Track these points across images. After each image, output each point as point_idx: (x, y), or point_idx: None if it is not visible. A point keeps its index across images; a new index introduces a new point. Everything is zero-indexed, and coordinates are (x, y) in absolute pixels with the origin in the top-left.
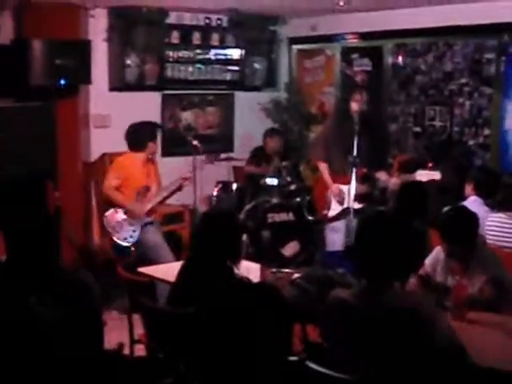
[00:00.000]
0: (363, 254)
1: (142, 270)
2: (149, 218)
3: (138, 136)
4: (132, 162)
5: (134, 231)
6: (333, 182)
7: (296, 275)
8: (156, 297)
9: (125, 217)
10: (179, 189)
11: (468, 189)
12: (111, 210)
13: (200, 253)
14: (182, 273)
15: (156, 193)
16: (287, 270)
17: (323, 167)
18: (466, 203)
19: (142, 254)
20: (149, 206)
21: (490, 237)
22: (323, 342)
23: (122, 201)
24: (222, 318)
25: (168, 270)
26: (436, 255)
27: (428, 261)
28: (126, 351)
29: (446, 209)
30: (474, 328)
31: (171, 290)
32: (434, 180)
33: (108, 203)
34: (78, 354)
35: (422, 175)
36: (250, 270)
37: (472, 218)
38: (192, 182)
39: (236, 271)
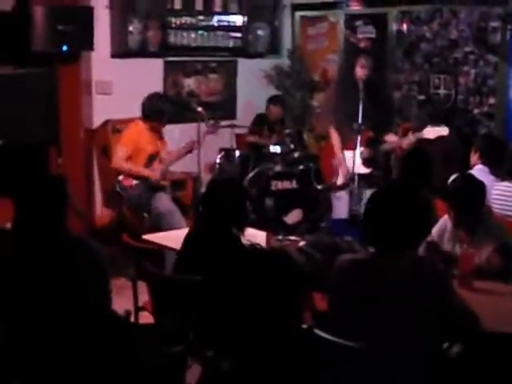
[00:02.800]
0: (374, 224)
1: (147, 237)
2: (164, 181)
3: (157, 106)
4: (138, 130)
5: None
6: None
7: (302, 242)
8: (164, 264)
9: (137, 182)
10: (190, 151)
11: (474, 157)
12: (122, 176)
13: (206, 220)
14: (188, 240)
15: (166, 156)
16: (293, 238)
17: (334, 134)
18: (471, 172)
19: (156, 221)
20: (162, 169)
21: (496, 205)
22: (330, 307)
23: (135, 170)
24: (233, 285)
25: (175, 237)
26: (443, 224)
27: (435, 230)
28: (131, 318)
29: (452, 177)
30: (481, 296)
31: (177, 257)
32: (441, 138)
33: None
34: (86, 316)
35: (430, 132)
36: (255, 237)
37: (479, 187)
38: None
39: (242, 238)
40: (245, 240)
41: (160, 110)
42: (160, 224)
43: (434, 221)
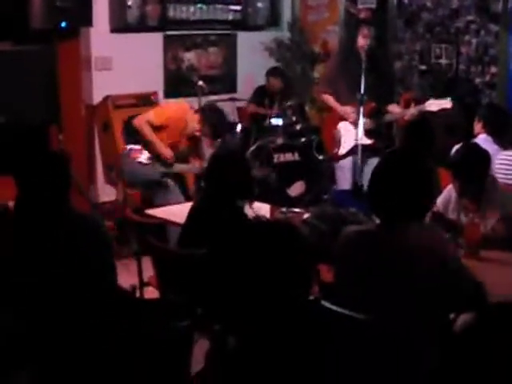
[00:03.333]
0: (379, 194)
1: (150, 211)
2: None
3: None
4: (181, 114)
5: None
6: (339, 120)
7: (307, 214)
8: (167, 238)
9: (148, 161)
10: None
11: (477, 127)
12: (137, 146)
13: (209, 194)
14: (192, 214)
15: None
16: (297, 210)
17: (329, 98)
18: (475, 141)
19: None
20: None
21: (500, 175)
22: (336, 279)
23: (153, 138)
24: (238, 258)
25: (177, 212)
26: (448, 194)
27: (439, 200)
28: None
29: (456, 147)
30: (487, 265)
31: (181, 231)
32: (444, 110)
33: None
34: (91, 292)
35: (433, 104)
36: (259, 210)
37: (484, 156)
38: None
39: (247, 210)
40: (249, 212)
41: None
42: (155, 199)
43: (439, 191)
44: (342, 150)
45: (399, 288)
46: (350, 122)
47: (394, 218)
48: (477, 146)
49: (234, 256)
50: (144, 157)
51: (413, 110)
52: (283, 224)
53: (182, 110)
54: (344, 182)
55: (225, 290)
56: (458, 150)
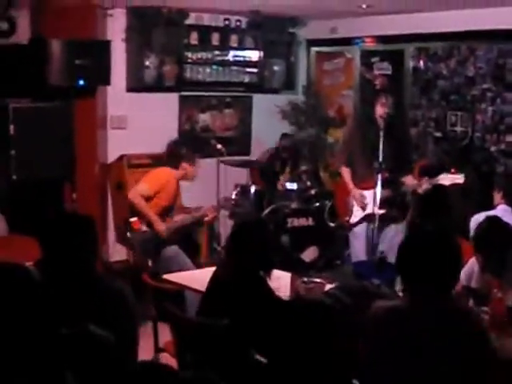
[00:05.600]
0: (410, 271)
1: (167, 276)
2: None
3: (173, 151)
4: (168, 178)
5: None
6: (355, 187)
7: (328, 285)
8: (185, 305)
9: (147, 229)
10: (201, 222)
11: (497, 197)
12: (135, 219)
13: (232, 263)
14: (214, 283)
15: (180, 216)
16: (318, 280)
17: (345, 172)
18: (494, 212)
19: (161, 266)
20: (169, 227)
21: None
22: (364, 356)
23: (147, 211)
24: (265, 333)
25: (195, 277)
26: (471, 267)
27: (463, 273)
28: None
29: (476, 217)
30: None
31: (202, 300)
32: (457, 184)
33: (132, 209)
34: (115, 366)
35: (445, 179)
36: (279, 278)
37: (506, 229)
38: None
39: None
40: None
41: (171, 155)
42: (169, 267)
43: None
44: (354, 219)
45: (428, 366)
46: (359, 205)
47: (423, 294)
48: (499, 219)
49: (257, 330)
50: (144, 227)
51: (426, 184)
52: (320, 304)
53: (169, 173)
54: (359, 249)
55: (248, 364)
56: (480, 224)
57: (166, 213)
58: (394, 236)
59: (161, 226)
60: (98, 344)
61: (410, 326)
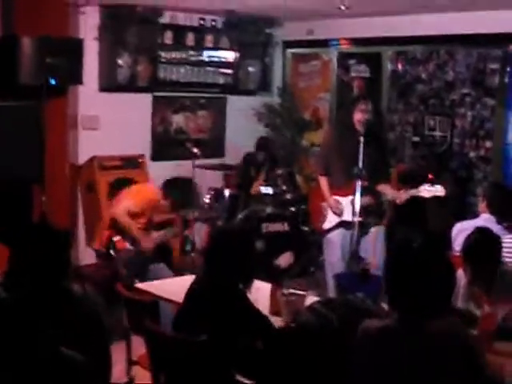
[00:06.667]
0: (399, 290)
1: (141, 286)
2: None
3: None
4: (155, 196)
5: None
6: (332, 194)
7: (310, 297)
8: (159, 315)
9: (131, 248)
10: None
11: (481, 206)
12: (118, 237)
13: (210, 275)
14: (190, 296)
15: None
16: (299, 292)
17: (323, 180)
18: (478, 220)
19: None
20: (156, 242)
21: (509, 259)
22: (354, 375)
23: (132, 228)
24: (244, 351)
25: (169, 286)
26: (457, 281)
27: None
28: (122, 372)
29: (458, 225)
30: (502, 359)
31: (178, 313)
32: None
33: (113, 227)
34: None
35: (426, 191)
36: (258, 289)
37: (496, 240)
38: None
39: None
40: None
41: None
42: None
43: None
44: (328, 224)
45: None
46: (333, 212)
47: (415, 313)
48: (489, 230)
49: (238, 348)
50: (128, 246)
51: (405, 196)
52: (306, 329)
53: (154, 191)
54: (333, 256)
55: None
56: (469, 236)
57: (147, 228)
58: (373, 240)
59: (148, 243)
60: (68, 366)
61: (402, 347)
